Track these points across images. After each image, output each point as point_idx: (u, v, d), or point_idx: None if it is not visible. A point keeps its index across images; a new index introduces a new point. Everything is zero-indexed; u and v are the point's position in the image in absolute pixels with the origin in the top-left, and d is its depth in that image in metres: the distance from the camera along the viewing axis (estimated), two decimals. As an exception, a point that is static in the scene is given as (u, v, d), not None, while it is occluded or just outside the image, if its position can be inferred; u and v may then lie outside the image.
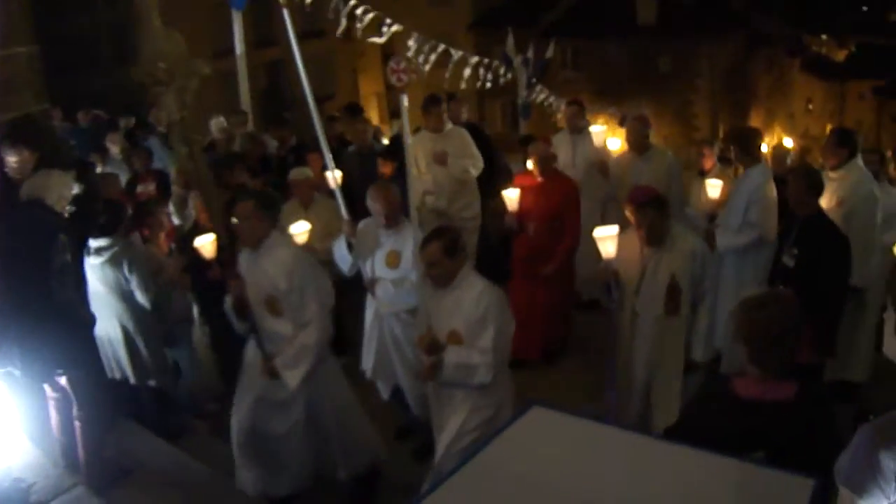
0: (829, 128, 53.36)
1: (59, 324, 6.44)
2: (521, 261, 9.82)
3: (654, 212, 7.16)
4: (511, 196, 9.50)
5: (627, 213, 7.38)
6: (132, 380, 8.37)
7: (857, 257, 7.68)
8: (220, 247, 8.10)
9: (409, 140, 7.09)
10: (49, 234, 6.48)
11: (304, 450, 7.20)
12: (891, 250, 9.57)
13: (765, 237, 8.53)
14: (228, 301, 6.98)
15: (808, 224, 7.55)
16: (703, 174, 10.95)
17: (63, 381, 6.64)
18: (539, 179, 9.62)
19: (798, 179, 7.70)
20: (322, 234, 9.34)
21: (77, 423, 6.76)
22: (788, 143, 38.58)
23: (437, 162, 10.75)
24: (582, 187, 10.36)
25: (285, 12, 7.54)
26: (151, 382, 8.51)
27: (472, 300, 6.36)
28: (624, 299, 7.52)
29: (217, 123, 14.38)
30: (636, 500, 3.81)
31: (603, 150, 10.83)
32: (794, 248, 7.58)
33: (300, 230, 8.82)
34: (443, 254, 6.35)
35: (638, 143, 10.38)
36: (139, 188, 11.64)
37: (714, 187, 9.38)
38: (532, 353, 9.74)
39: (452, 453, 6.28)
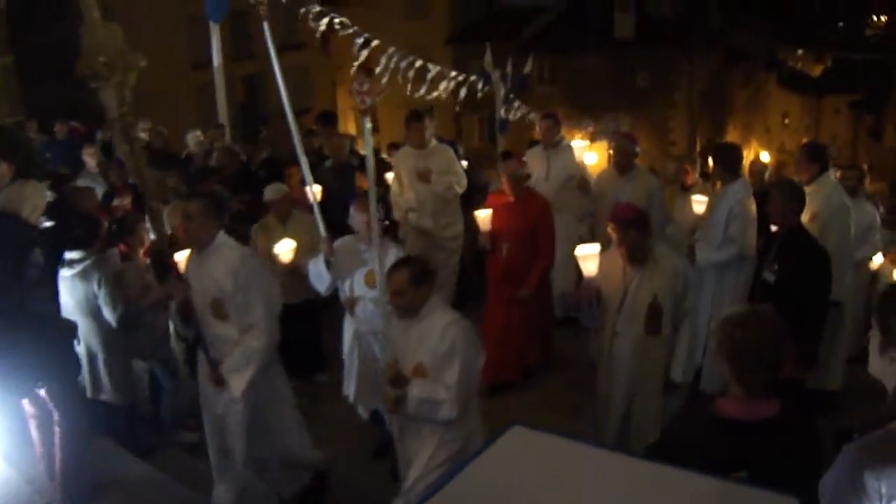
0: (804, 142, 53.90)
1: (35, 336, 6.34)
2: (495, 282, 9.72)
3: (636, 231, 7.02)
4: (483, 216, 9.36)
5: (609, 230, 7.26)
6: (88, 394, 8.27)
7: (833, 271, 7.65)
8: None
9: (371, 163, 6.93)
10: (23, 247, 6.38)
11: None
12: (865, 264, 9.63)
13: (744, 252, 8.56)
14: (173, 306, 6.95)
15: (788, 239, 7.55)
16: (686, 189, 10.82)
17: (42, 393, 6.53)
18: (511, 199, 9.50)
19: (781, 193, 7.68)
20: (302, 250, 9.29)
21: (57, 437, 6.65)
22: (765, 157, 38.78)
23: (420, 179, 10.58)
24: (556, 202, 10.32)
25: (265, 25, 7.40)
26: (104, 397, 8.39)
27: (438, 333, 6.15)
28: (605, 318, 7.40)
29: (194, 137, 14.34)
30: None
31: (582, 166, 10.75)
32: (774, 263, 7.57)
33: (285, 249, 8.79)
34: (409, 283, 6.18)
35: (623, 161, 10.24)
36: (115, 201, 11.53)
37: (700, 203, 9.40)
38: (511, 374, 9.70)
39: (419, 490, 6.13)
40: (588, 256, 7.12)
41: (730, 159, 9.09)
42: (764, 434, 4.12)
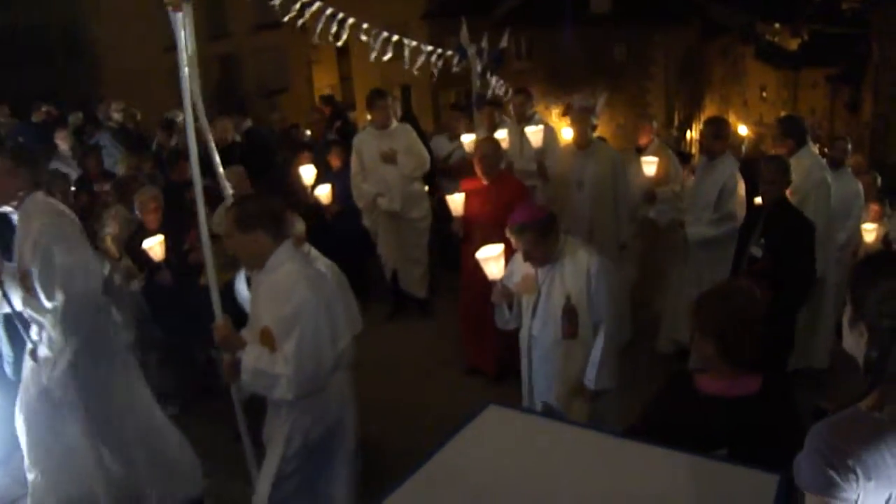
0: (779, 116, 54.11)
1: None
2: (469, 271, 8.71)
3: (531, 234, 6.30)
4: (456, 200, 8.86)
5: (507, 233, 6.49)
6: None
7: None
8: (169, 248, 7.96)
9: (200, 106, 6.19)
10: None
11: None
12: (848, 238, 9.55)
13: (737, 227, 8.45)
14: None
15: (773, 211, 7.45)
16: (640, 150, 10.57)
17: None
18: (484, 182, 8.93)
19: (773, 164, 7.56)
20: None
21: None
22: (743, 130, 38.85)
23: (385, 161, 10.38)
24: (530, 179, 10.14)
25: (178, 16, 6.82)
26: None
27: (283, 291, 5.20)
28: (522, 320, 6.78)
29: (170, 117, 14.21)
30: (596, 499, 3.73)
31: (540, 150, 10.22)
32: (760, 237, 7.48)
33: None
34: (233, 226, 5.29)
35: (581, 136, 9.72)
36: (95, 187, 11.33)
37: (649, 164, 9.45)
38: (486, 366, 9.23)
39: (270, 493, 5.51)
40: (489, 259, 6.49)
41: (722, 130, 9.01)
42: (745, 411, 4.09)
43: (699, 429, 4.07)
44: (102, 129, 14.80)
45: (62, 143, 13.90)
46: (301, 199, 10.41)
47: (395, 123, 10.63)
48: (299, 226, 7.70)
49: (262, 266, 5.36)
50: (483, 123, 11.57)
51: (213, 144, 6.76)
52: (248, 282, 6.47)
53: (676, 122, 41.67)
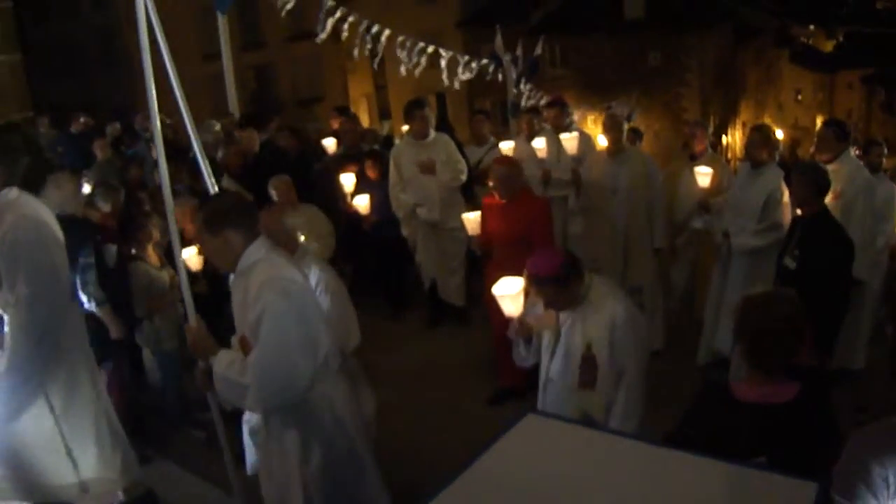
0: (818, 118, 53.76)
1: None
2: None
3: (553, 287, 5.87)
4: (471, 218, 8.60)
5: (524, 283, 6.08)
6: None
7: (857, 249, 7.35)
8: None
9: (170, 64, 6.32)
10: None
11: None
12: (886, 241, 9.42)
13: (781, 237, 8.21)
14: None
15: (811, 224, 7.24)
16: (694, 158, 10.20)
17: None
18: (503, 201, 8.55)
19: (805, 178, 7.29)
20: (309, 240, 9.32)
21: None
22: (779, 134, 38.58)
23: (424, 171, 10.28)
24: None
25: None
26: None
27: (252, 293, 4.98)
28: (542, 358, 6.33)
29: (211, 128, 14.29)
30: (636, 508, 3.76)
31: (576, 158, 10.21)
32: (795, 248, 7.30)
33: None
34: (202, 228, 5.15)
35: (614, 143, 9.62)
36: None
37: (703, 175, 9.24)
38: (517, 379, 8.50)
39: None
40: (507, 297, 6.13)
41: (770, 139, 8.80)
42: (782, 418, 4.09)
43: (736, 436, 4.08)
44: (139, 140, 14.91)
45: (100, 152, 14.02)
46: (340, 207, 10.45)
47: (433, 134, 10.53)
48: (292, 220, 7.75)
49: (234, 268, 5.18)
50: (522, 131, 11.56)
51: (197, 146, 6.85)
52: None
53: (712, 128, 41.46)
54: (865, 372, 8.90)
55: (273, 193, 9.52)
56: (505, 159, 9.19)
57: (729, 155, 44.30)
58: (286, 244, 6.36)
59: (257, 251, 5.10)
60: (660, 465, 4.00)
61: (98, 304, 7.66)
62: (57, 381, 5.91)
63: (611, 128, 9.69)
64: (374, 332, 10.89)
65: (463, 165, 10.62)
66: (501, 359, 8.57)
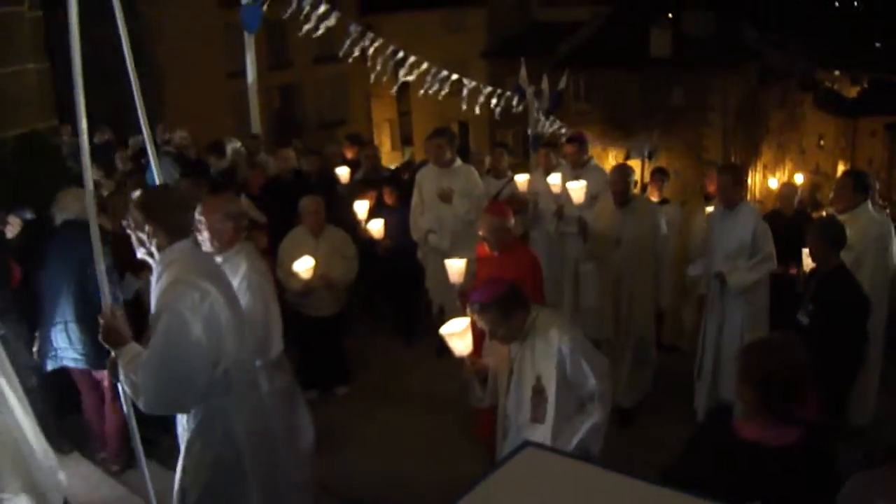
0: (840, 164, 53.75)
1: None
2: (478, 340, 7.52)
3: (493, 314, 5.85)
4: (454, 266, 8.03)
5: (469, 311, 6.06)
6: None
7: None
8: None
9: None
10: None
11: None
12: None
13: (773, 268, 8.39)
14: None
15: (827, 280, 7.19)
16: (709, 199, 10.42)
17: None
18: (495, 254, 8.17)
19: (821, 234, 7.27)
20: (334, 264, 9.36)
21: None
22: (799, 179, 38.60)
23: (441, 199, 10.25)
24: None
25: None
26: None
27: (159, 292, 5.03)
28: (499, 399, 6.29)
29: (232, 147, 14.38)
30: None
31: (582, 207, 9.83)
32: (809, 304, 7.23)
33: (304, 266, 8.66)
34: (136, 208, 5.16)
35: (620, 193, 9.29)
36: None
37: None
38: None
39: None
40: (453, 335, 6.00)
41: (741, 178, 8.84)
42: (782, 461, 4.09)
43: (734, 475, 4.08)
44: (161, 153, 15.01)
45: (121, 164, 14.16)
46: (358, 233, 10.49)
47: (458, 162, 10.53)
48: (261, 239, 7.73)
49: (145, 255, 5.20)
50: (539, 164, 11.56)
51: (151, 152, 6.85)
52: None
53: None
54: (874, 426, 8.84)
55: (303, 213, 9.60)
56: (496, 209, 8.45)
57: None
58: (220, 233, 6.36)
59: (177, 252, 5.10)
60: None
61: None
62: None
63: (618, 180, 9.38)
64: (385, 357, 10.93)
65: (485, 201, 10.56)
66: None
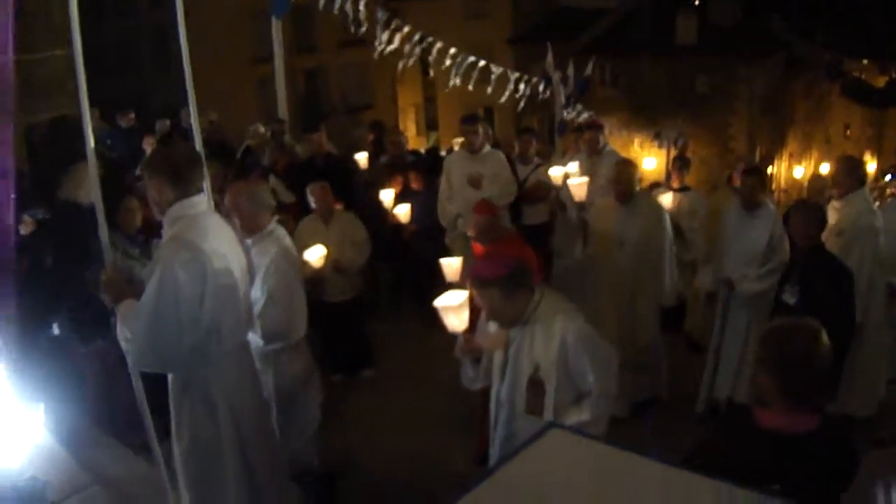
0: (866, 154, 53.39)
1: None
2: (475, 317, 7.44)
3: (496, 291, 5.41)
4: (451, 264, 7.60)
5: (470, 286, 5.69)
6: None
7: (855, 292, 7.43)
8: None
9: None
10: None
11: None
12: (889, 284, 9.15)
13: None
14: None
15: (810, 259, 7.37)
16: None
17: None
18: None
19: (807, 215, 7.47)
20: (344, 251, 9.50)
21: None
22: (825, 169, 38.31)
23: (470, 184, 10.40)
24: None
25: None
26: None
27: (161, 247, 5.29)
28: (493, 379, 5.91)
29: (255, 131, 14.44)
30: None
31: (581, 205, 9.61)
32: (795, 284, 7.39)
33: (315, 256, 8.53)
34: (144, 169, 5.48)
35: (623, 189, 9.06)
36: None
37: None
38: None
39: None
40: (448, 309, 5.72)
41: (766, 182, 8.82)
42: (802, 448, 4.10)
43: (754, 462, 4.10)
44: (187, 139, 15.09)
45: (149, 149, 14.24)
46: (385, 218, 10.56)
47: (487, 148, 10.67)
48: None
49: (162, 216, 5.27)
50: (567, 150, 11.60)
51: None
52: None
53: (758, 158, 41.24)
54: (886, 408, 8.84)
55: (310, 199, 9.65)
56: (482, 208, 8.29)
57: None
58: (248, 218, 6.57)
59: (190, 207, 5.20)
60: (673, 486, 4.03)
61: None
62: None
63: (621, 175, 9.17)
64: (411, 341, 11.00)
65: (513, 186, 10.66)
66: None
